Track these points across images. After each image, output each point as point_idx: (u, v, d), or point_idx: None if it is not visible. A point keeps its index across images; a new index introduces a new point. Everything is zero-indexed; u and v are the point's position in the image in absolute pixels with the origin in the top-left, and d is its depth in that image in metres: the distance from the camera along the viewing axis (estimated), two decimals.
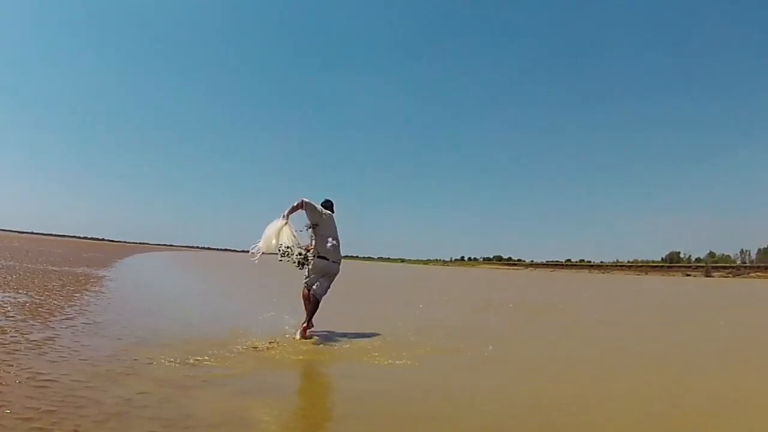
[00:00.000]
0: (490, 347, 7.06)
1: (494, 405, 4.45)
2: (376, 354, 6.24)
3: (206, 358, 5.36)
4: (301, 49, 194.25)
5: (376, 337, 7.55)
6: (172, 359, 5.16)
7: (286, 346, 6.43)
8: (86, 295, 10.69)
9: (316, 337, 7.23)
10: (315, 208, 7.25)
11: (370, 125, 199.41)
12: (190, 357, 5.31)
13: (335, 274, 7.48)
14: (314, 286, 7.24)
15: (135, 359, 5.10)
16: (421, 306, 13.56)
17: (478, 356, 6.58)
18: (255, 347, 6.19)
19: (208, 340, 6.46)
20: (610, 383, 5.38)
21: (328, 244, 7.25)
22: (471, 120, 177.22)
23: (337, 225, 7.51)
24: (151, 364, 4.96)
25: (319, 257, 7.23)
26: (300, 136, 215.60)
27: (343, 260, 7.62)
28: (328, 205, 7.61)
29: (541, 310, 14.40)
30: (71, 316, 7.59)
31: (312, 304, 7.23)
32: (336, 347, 6.75)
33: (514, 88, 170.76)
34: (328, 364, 5.96)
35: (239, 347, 6.07)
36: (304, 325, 7.18)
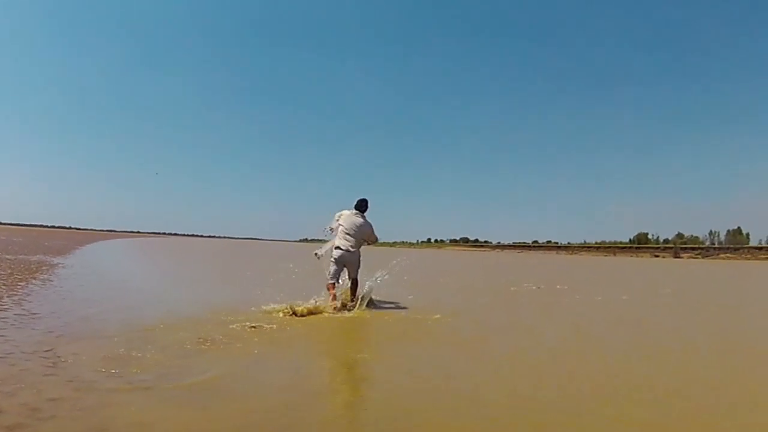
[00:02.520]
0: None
1: None
2: None
3: (144, 355, 4.68)
4: (264, 29, 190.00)
5: None
6: (102, 357, 4.49)
7: (232, 342, 5.61)
8: (32, 284, 10.05)
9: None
10: (334, 219, 8.74)
11: (333, 105, 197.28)
12: (125, 353, 4.65)
13: (351, 261, 8.46)
14: (333, 275, 8.42)
15: (59, 357, 4.43)
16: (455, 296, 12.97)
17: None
18: (202, 339, 5.52)
19: (151, 332, 5.80)
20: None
21: (339, 236, 8.43)
22: (434, 104, 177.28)
23: (364, 219, 8.62)
24: (76, 362, 4.29)
25: (335, 249, 8.41)
26: (264, 118, 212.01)
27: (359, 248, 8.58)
28: (359, 203, 8.73)
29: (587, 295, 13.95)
30: (6, 306, 7.02)
31: (351, 285, 8.62)
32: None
33: (481, 72, 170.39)
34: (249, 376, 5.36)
35: (188, 345, 5.26)
36: (352, 297, 8.52)
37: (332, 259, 8.42)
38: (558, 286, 15.87)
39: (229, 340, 5.56)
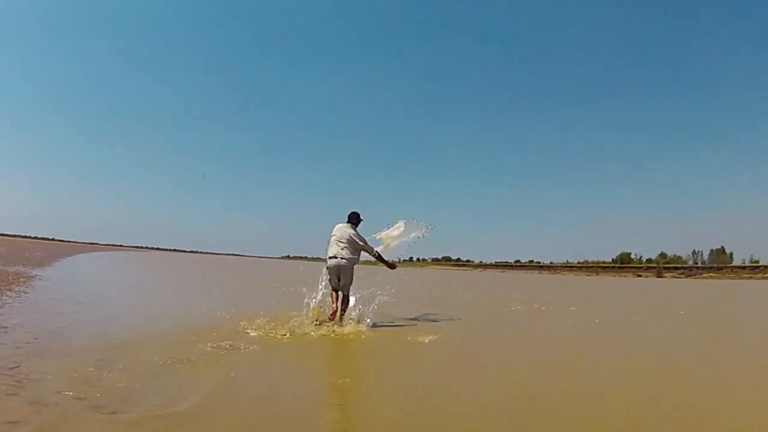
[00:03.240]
0: None
1: None
2: None
3: (113, 375, 4.45)
4: (249, 39, 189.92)
5: None
6: (70, 377, 4.27)
7: (207, 363, 5.32)
8: (6, 295, 9.85)
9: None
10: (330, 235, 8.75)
11: (314, 117, 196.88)
12: (93, 373, 4.44)
13: (345, 271, 8.43)
14: (332, 285, 8.56)
15: (25, 375, 4.22)
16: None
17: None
18: (175, 360, 5.27)
19: (123, 350, 5.58)
20: None
21: (332, 246, 8.56)
22: (416, 118, 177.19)
23: (356, 231, 8.71)
24: (41, 382, 4.08)
25: (329, 258, 8.53)
26: (247, 134, 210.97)
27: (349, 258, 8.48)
28: (350, 216, 8.88)
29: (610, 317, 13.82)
30: None
31: (342, 302, 8.50)
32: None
33: (462, 86, 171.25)
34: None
35: (160, 365, 5.03)
36: (334, 311, 8.38)
37: (326, 269, 8.59)
38: (558, 306, 15.68)
39: (204, 361, 5.29)
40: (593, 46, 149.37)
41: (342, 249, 8.47)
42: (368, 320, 8.58)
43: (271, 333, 7.26)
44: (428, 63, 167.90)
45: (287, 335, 7.24)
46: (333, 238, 8.63)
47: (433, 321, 10.03)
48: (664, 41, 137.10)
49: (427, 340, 7.48)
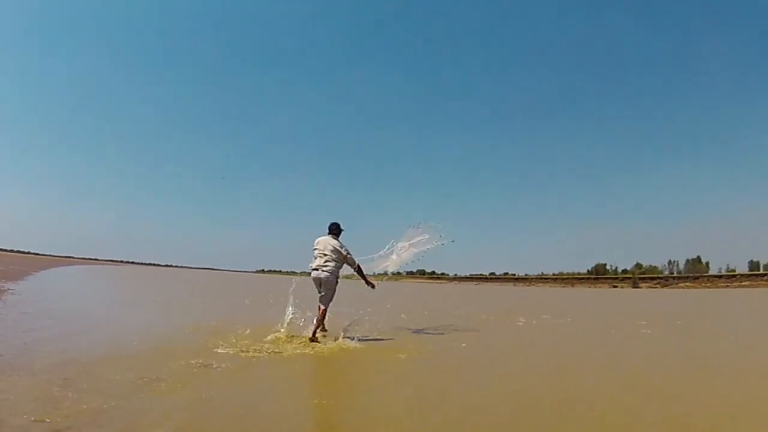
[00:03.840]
0: None
1: None
2: None
3: (79, 396, 4.34)
4: (228, 51, 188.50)
5: None
6: (34, 397, 4.18)
7: (178, 382, 5.20)
8: None
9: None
10: (312, 248, 8.79)
11: (290, 129, 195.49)
12: (59, 393, 4.34)
13: (326, 283, 8.44)
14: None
15: None
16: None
17: None
18: (146, 379, 5.15)
19: (92, 368, 5.46)
20: None
21: (315, 258, 8.65)
22: (391, 131, 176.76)
23: (338, 241, 8.77)
24: (4, 403, 3.97)
25: (312, 270, 8.60)
26: (223, 147, 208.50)
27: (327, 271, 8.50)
28: (331, 227, 8.91)
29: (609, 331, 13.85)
30: None
31: (319, 315, 8.42)
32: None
33: (435, 99, 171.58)
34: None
35: (129, 385, 4.90)
36: (314, 330, 8.27)
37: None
38: (545, 316, 15.78)
39: (174, 380, 5.14)
40: (570, 59, 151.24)
41: (325, 262, 8.52)
42: (351, 335, 8.63)
43: (245, 350, 7.14)
44: (406, 77, 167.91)
45: (261, 352, 7.11)
46: (316, 251, 8.67)
47: (415, 334, 10.07)
48: (642, 54, 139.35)
49: (403, 357, 7.42)
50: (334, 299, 8.60)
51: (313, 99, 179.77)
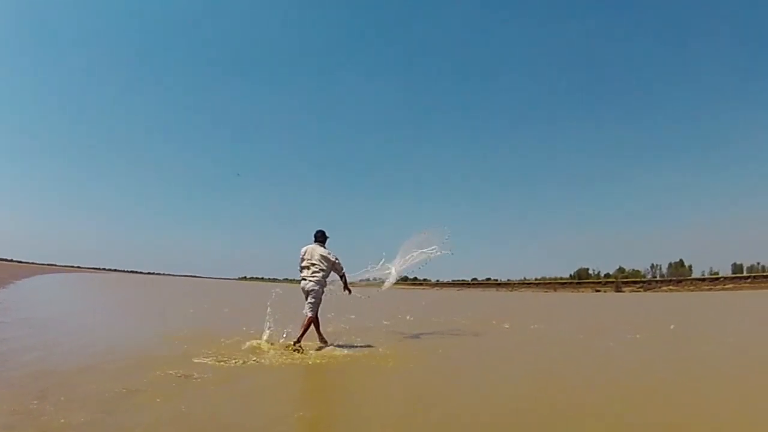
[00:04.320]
0: None
1: None
2: None
3: (56, 409, 4.28)
4: (208, 60, 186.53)
5: None
6: (11, 410, 4.13)
7: (157, 394, 5.18)
8: None
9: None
10: (299, 258, 8.80)
11: (270, 137, 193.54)
12: (36, 407, 4.28)
13: (308, 291, 8.52)
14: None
15: None
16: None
17: None
18: (125, 391, 5.10)
19: (71, 378, 5.42)
20: None
21: (304, 268, 8.69)
22: (367, 135, 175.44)
23: (325, 248, 8.82)
24: None
25: (301, 280, 8.68)
26: (206, 154, 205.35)
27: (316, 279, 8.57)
28: (317, 235, 8.95)
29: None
30: None
31: (305, 321, 8.43)
32: None
33: (416, 103, 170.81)
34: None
35: (108, 397, 4.90)
36: (299, 336, 8.25)
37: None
38: (533, 326, 15.79)
39: (153, 392, 5.06)
40: (546, 65, 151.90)
41: (312, 273, 8.60)
42: (335, 342, 8.75)
43: (225, 359, 7.07)
44: (387, 84, 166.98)
45: (241, 361, 7.05)
46: (303, 261, 8.71)
47: (400, 340, 10.10)
48: (620, 61, 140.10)
49: (390, 365, 7.41)
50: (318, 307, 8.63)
51: (297, 106, 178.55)
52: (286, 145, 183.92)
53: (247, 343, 8.32)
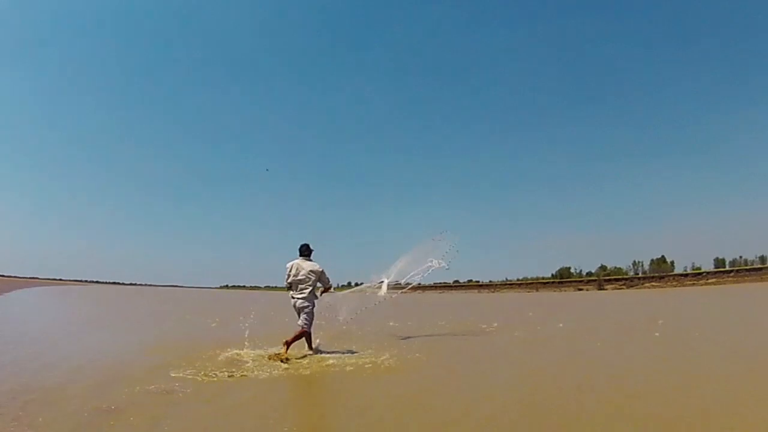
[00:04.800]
0: None
1: None
2: None
3: (33, 429, 4.20)
4: (188, 65, 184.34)
5: None
6: None
7: (138, 411, 5.13)
8: None
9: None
10: (286, 273, 8.91)
11: (249, 145, 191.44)
12: (16, 427, 4.20)
13: (300, 308, 8.69)
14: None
15: None
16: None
17: None
18: (105, 408, 5.00)
19: (49, 395, 5.33)
20: None
21: (293, 286, 8.81)
22: (347, 142, 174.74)
23: (311, 262, 8.90)
24: None
25: (291, 298, 8.85)
26: (187, 162, 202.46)
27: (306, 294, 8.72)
28: (301, 249, 9.01)
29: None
30: None
31: (298, 333, 8.59)
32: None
33: (397, 111, 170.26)
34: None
35: (86, 415, 4.79)
36: (287, 345, 8.31)
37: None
38: (515, 323, 15.77)
39: (132, 409, 4.95)
40: (531, 68, 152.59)
41: (300, 290, 8.73)
42: (320, 349, 8.93)
43: (207, 372, 6.93)
44: (362, 92, 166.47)
45: (224, 374, 6.88)
46: (292, 278, 8.81)
47: (385, 346, 10.04)
48: (601, 62, 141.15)
49: (377, 372, 7.32)
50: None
51: (277, 113, 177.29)
52: (266, 153, 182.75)
53: (228, 353, 8.26)
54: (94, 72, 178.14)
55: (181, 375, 6.70)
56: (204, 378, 6.62)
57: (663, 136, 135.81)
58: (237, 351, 8.50)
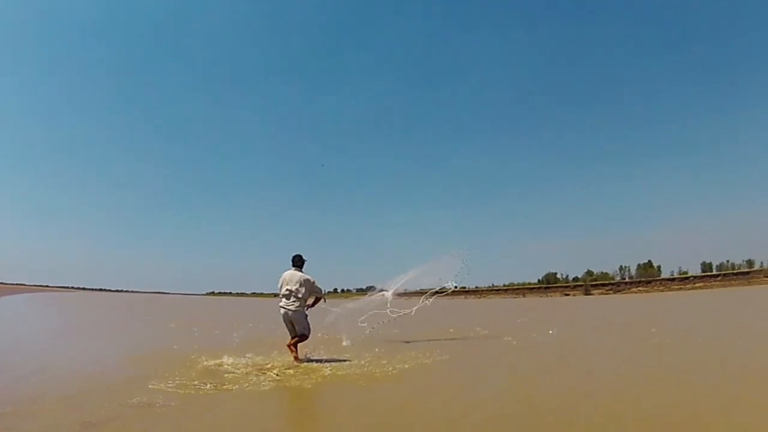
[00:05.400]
0: None
1: None
2: None
3: None
4: (176, 72, 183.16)
5: None
6: None
7: (119, 427, 4.95)
8: None
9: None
10: (278, 283, 9.02)
11: (234, 151, 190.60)
12: None
13: (295, 318, 8.73)
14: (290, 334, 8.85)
15: None
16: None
17: None
18: (86, 423, 4.82)
19: (31, 407, 5.16)
20: None
21: (283, 297, 8.83)
22: (329, 147, 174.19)
23: (303, 273, 8.94)
24: None
25: (280, 308, 8.84)
26: (171, 168, 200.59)
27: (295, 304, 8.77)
28: (294, 260, 9.08)
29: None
30: None
31: (297, 340, 8.80)
32: None
33: (379, 118, 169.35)
34: None
35: (63, 424, 4.65)
36: (294, 355, 8.64)
37: (282, 319, 8.87)
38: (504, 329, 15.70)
39: (115, 425, 4.77)
40: (516, 73, 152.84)
41: (291, 301, 8.79)
42: (310, 357, 8.98)
43: (190, 384, 6.71)
44: (345, 100, 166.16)
45: (209, 385, 6.65)
46: (284, 288, 8.86)
47: (374, 355, 9.89)
48: (585, 66, 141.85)
49: (367, 382, 7.20)
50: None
51: (259, 121, 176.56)
52: (254, 160, 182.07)
53: (212, 363, 8.14)
54: (77, 74, 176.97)
55: (163, 386, 6.49)
56: (187, 390, 6.38)
57: (649, 139, 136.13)
58: (222, 360, 8.35)
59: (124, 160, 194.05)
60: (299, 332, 8.78)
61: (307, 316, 8.90)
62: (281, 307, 8.81)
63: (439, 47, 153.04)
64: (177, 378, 7.03)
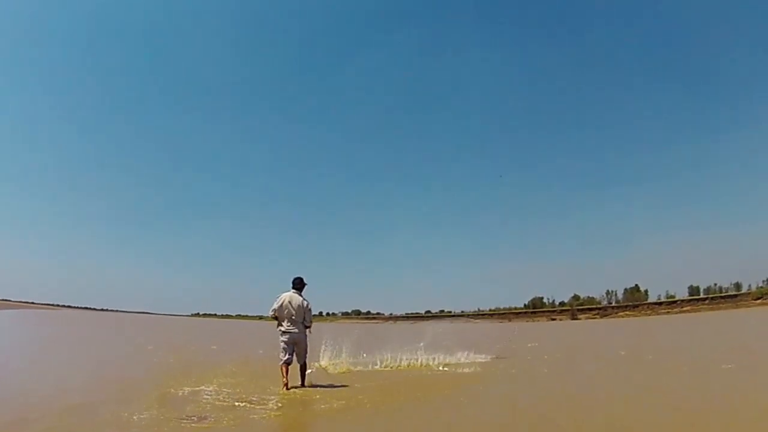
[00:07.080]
0: None
1: None
2: None
3: None
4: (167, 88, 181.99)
5: None
6: None
7: None
8: None
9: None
10: (276, 302, 8.99)
11: (222, 172, 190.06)
12: None
13: (299, 341, 8.90)
14: (285, 356, 8.80)
15: None
16: None
17: None
18: None
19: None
20: None
21: (286, 320, 8.87)
22: (314, 170, 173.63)
23: (302, 297, 9.03)
24: None
25: (283, 333, 8.90)
26: (158, 186, 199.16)
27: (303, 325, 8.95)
28: (295, 282, 9.15)
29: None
30: None
31: (300, 369, 9.01)
32: None
33: (366, 139, 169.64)
34: None
35: None
36: (285, 384, 8.50)
37: (282, 341, 8.85)
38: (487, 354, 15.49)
39: None
40: (497, 97, 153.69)
41: (294, 324, 8.87)
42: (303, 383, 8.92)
43: (169, 415, 6.21)
44: (321, 125, 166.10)
45: (189, 422, 5.98)
46: (285, 311, 8.88)
47: (362, 380, 9.86)
48: (572, 91, 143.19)
49: (365, 406, 7.19)
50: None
51: (246, 142, 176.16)
52: (244, 180, 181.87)
53: (188, 391, 7.84)
54: (66, 88, 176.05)
55: (141, 417, 6.06)
56: (162, 422, 5.91)
57: (635, 164, 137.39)
58: (200, 387, 8.02)
59: (113, 179, 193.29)
60: (303, 355, 8.93)
61: (306, 337, 8.98)
62: (285, 331, 8.85)
63: (427, 72, 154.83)
64: (157, 407, 6.61)
